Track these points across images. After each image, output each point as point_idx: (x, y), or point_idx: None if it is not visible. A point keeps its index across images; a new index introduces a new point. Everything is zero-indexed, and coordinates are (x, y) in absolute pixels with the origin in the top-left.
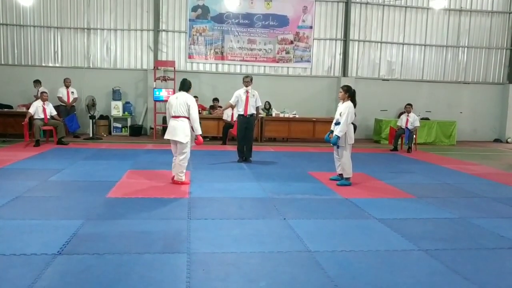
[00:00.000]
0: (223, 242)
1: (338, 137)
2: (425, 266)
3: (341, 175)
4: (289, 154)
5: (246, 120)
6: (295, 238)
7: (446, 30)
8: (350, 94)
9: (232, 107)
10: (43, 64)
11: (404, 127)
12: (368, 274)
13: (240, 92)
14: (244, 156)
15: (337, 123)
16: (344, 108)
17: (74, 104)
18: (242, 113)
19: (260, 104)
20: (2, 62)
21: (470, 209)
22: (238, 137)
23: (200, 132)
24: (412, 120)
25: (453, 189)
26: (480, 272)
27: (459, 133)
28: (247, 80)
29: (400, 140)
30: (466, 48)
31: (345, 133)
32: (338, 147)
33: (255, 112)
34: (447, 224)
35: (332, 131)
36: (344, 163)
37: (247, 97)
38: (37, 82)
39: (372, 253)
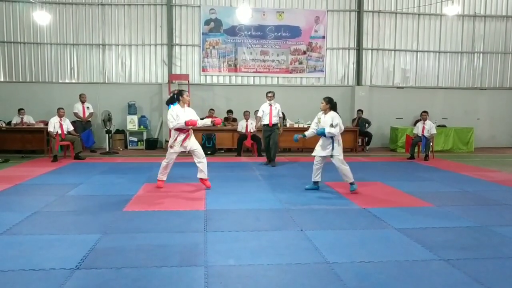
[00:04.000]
0: (240, 254)
1: (324, 133)
2: (447, 276)
3: (316, 182)
4: (304, 164)
5: (270, 129)
6: (313, 249)
7: (460, 36)
8: (332, 105)
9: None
10: (60, 81)
11: (420, 135)
12: (388, 285)
13: (265, 106)
14: (270, 158)
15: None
16: (333, 118)
17: (90, 119)
18: (267, 123)
19: (281, 115)
20: (20, 80)
21: (491, 217)
22: (264, 143)
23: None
24: (429, 127)
25: (472, 197)
26: (504, 282)
27: (477, 140)
28: (270, 95)
29: (416, 148)
30: (481, 54)
31: (340, 143)
32: (332, 156)
33: (278, 122)
34: (468, 233)
35: (304, 135)
36: (344, 169)
37: (270, 110)
38: (21, 110)
39: (391, 264)
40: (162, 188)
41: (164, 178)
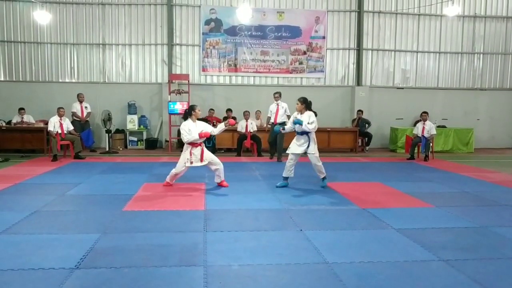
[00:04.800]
0: (240, 254)
1: (301, 124)
2: (446, 276)
3: (286, 178)
4: (304, 164)
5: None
6: (312, 249)
7: (460, 37)
8: (306, 105)
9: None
10: (60, 80)
11: (420, 135)
12: (387, 285)
13: (272, 106)
14: (277, 156)
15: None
16: (310, 117)
17: (88, 118)
18: (273, 121)
19: (289, 113)
20: (21, 79)
21: (491, 218)
22: (270, 140)
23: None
24: (428, 128)
25: (472, 198)
26: (503, 283)
27: (477, 140)
28: (277, 96)
29: (416, 148)
30: (481, 55)
31: (315, 141)
32: (308, 154)
33: (285, 121)
34: (467, 234)
35: (284, 128)
36: (319, 166)
37: (277, 109)
38: (22, 109)
39: (391, 264)
40: (169, 187)
41: (172, 183)
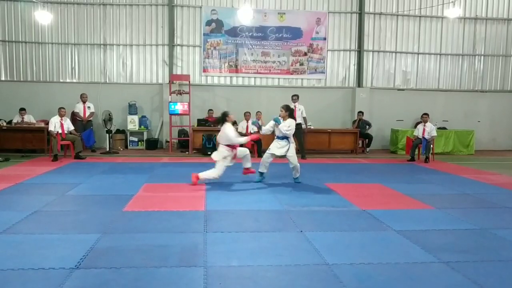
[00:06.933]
0: (240, 255)
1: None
2: (446, 278)
3: (262, 173)
4: (305, 165)
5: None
6: (313, 251)
7: (461, 38)
8: (289, 112)
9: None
10: (61, 80)
11: (421, 137)
12: (387, 287)
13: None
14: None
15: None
16: (289, 123)
17: (90, 119)
18: None
19: (305, 115)
20: (22, 79)
21: (491, 220)
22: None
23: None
24: (429, 129)
25: (472, 200)
26: (503, 285)
27: (477, 142)
28: (295, 98)
29: (417, 150)
30: (482, 57)
31: (293, 143)
32: (288, 156)
33: (302, 122)
34: (467, 236)
35: (260, 128)
36: (298, 166)
37: (294, 110)
38: (22, 110)
39: (391, 266)
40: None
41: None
